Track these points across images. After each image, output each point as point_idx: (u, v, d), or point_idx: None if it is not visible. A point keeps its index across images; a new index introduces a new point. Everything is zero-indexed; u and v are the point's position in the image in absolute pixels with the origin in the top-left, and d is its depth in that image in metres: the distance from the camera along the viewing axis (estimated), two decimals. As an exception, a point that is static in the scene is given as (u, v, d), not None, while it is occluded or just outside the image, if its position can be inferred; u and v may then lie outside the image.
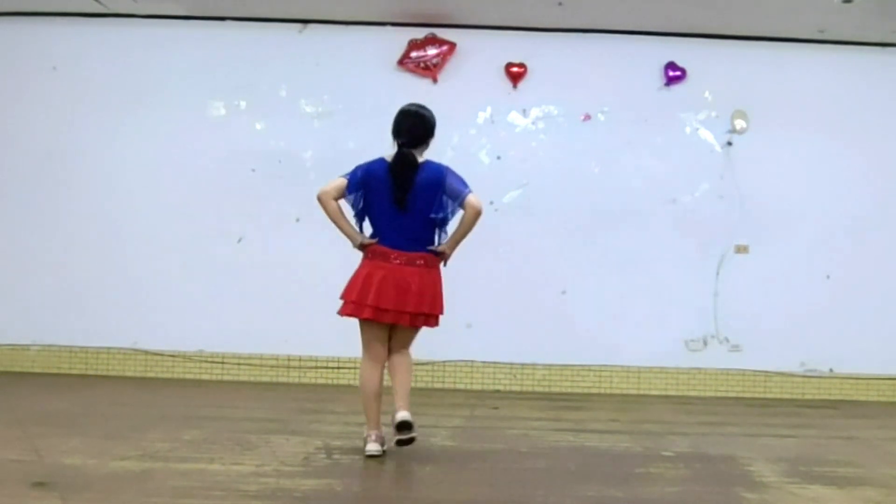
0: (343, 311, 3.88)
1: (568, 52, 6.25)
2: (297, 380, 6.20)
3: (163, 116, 6.29)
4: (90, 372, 6.23)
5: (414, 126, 3.85)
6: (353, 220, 3.91)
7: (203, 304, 6.21)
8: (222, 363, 6.24)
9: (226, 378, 6.22)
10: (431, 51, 6.21)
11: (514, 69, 6.24)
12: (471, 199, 3.76)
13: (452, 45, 6.21)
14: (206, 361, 6.24)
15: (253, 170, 6.28)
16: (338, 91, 6.30)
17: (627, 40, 6.24)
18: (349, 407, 5.30)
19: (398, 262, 3.79)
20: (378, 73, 6.26)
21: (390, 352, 3.94)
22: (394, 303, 3.75)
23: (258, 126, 6.33)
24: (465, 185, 3.81)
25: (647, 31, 6.19)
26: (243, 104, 6.33)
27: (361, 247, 3.89)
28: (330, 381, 6.19)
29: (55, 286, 6.23)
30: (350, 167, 6.15)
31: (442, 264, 3.93)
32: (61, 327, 6.22)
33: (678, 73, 6.24)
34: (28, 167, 6.30)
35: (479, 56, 6.22)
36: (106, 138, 6.29)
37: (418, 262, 3.81)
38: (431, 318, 3.88)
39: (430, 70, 6.22)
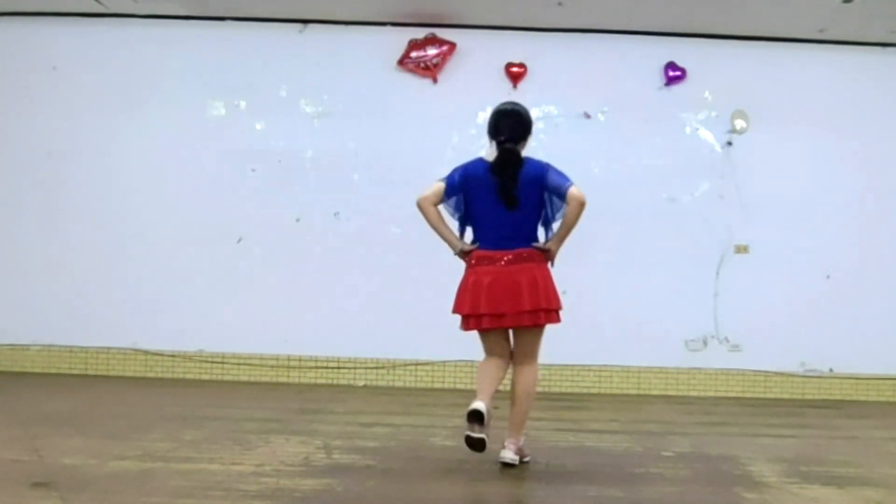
0: (465, 327, 3.74)
1: (568, 52, 6.25)
2: (297, 380, 6.21)
3: (163, 116, 6.29)
4: (90, 372, 6.23)
5: (514, 123, 3.72)
6: (454, 227, 3.80)
7: (203, 304, 6.21)
8: (222, 363, 6.24)
9: (226, 378, 6.22)
10: (431, 51, 6.21)
11: (514, 69, 6.24)
12: (573, 191, 3.61)
13: (452, 45, 6.21)
14: (206, 361, 6.24)
15: (253, 170, 6.28)
16: (338, 91, 6.30)
17: (627, 40, 6.25)
18: (349, 407, 5.31)
19: (504, 262, 3.66)
20: (378, 73, 6.26)
21: (515, 363, 3.79)
22: (509, 305, 3.62)
23: (258, 126, 6.33)
24: (566, 178, 3.68)
25: (647, 31, 6.19)
26: (243, 104, 6.33)
27: (462, 253, 3.75)
28: (330, 381, 6.19)
29: (55, 286, 6.23)
30: (351, 167, 6.25)
31: (549, 264, 3.79)
32: (61, 327, 6.22)
33: (678, 73, 6.24)
34: (28, 167, 6.30)
35: (479, 56, 6.22)
36: (106, 138, 6.29)
37: (525, 257, 3.68)
38: (552, 314, 3.71)
39: (430, 70, 6.22)
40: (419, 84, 6.24)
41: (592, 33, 6.23)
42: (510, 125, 3.72)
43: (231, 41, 6.31)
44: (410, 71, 6.25)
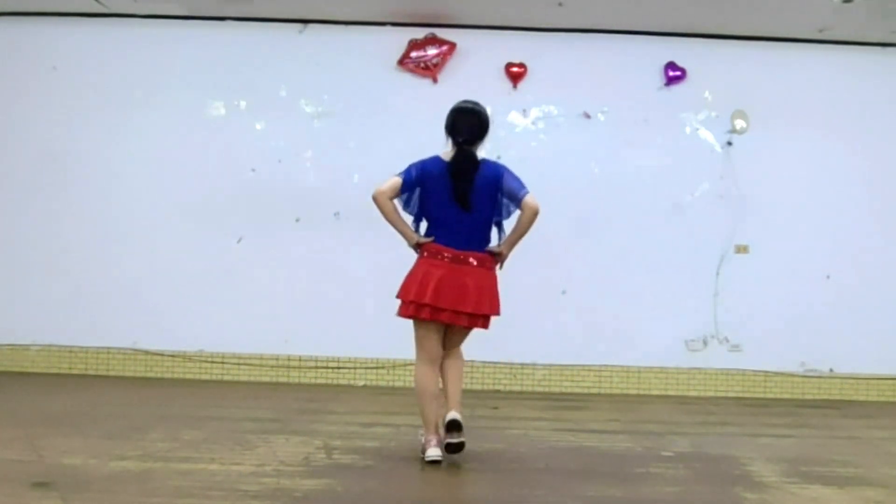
0: (402, 313, 3.81)
1: (568, 52, 6.25)
2: (297, 380, 6.21)
3: (163, 116, 6.29)
4: (90, 372, 6.23)
5: (473, 123, 3.79)
6: (409, 221, 3.88)
7: (203, 304, 6.21)
8: (222, 363, 6.24)
9: (226, 378, 6.22)
10: (431, 51, 6.21)
11: (514, 69, 6.24)
12: (528, 199, 3.70)
13: (452, 45, 6.21)
14: (206, 361, 6.24)
15: (253, 170, 6.28)
16: (338, 91, 6.30)
17: (627, 40, 6.25)
18: (349, 407, 5.32)
19: (455, 261, 3.75)
20: (378, 73, 6.26)
21: (447, 350, 3.93)
22: (451, 302, 3.70)
23: (258, 126, 6.33)
24: (522, 185, 3.76)
25: (647, 31, 6.19)
26: (243, 104, 6.33)
27: (417, 246, 3.83)
28: (330, 381, 6.19)
29: (55, 286, 6.23)
30: (351, 167, 6.25)
31: (498, 266, 3.89)
32: (61, 327, 6.22)
33: (678, 73, 6.24)
34: (28, 167, 6.30)
35: (479, 56, 6.22)
36: (106, 138, 6.29)
37: (474, 261, 3.77)
38: (487, 320, 3.86)
39: (430, 70, 6.22)
40: (419, 84, 6.23)
41: (592, 33, 6.23)
42: (470, 125, 3.79)
43: (231, 41, 6.31)
44: (410, 71, 6.25)
